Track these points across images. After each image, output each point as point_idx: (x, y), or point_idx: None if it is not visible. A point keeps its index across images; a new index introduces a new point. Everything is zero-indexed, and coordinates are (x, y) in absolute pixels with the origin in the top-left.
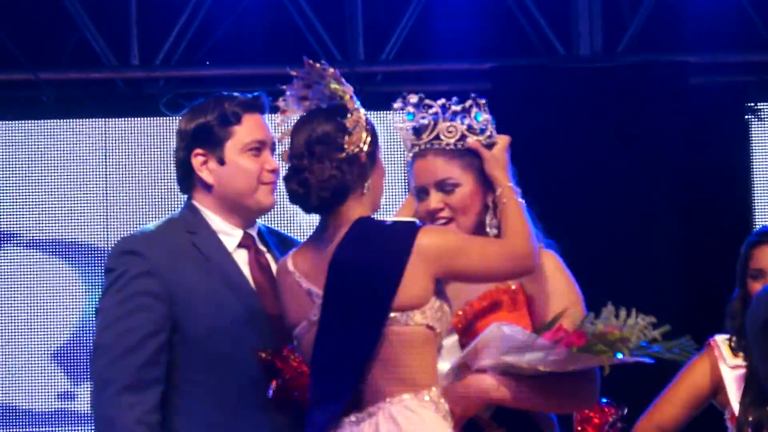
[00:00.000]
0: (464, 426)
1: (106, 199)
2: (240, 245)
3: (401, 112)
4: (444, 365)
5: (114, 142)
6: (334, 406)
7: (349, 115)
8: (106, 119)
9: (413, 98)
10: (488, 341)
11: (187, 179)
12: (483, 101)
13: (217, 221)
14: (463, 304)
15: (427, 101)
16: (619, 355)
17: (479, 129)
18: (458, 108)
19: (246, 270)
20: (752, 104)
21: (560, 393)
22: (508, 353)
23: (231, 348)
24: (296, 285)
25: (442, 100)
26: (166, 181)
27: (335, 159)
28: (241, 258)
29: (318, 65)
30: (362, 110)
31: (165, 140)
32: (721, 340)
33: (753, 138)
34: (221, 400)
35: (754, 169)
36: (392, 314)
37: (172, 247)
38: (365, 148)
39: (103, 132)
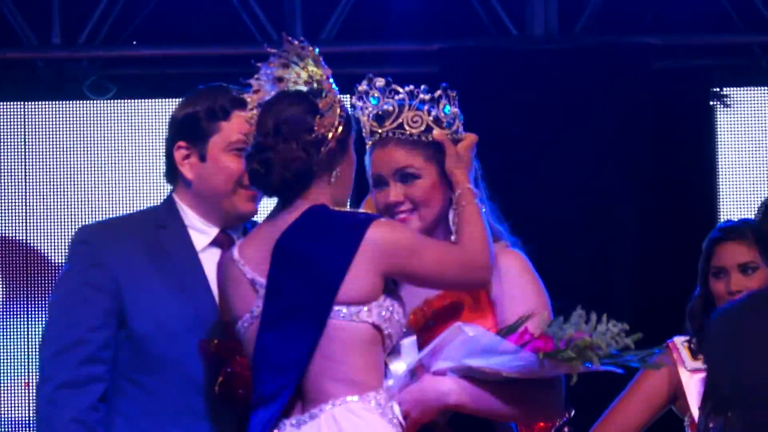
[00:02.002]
0: None
1: (26, 189)
2: (213, 244)
3: (364, 96)
4: (401, 366)
5: (34, 127)
6: (274, 407)
7: (323, 96)
8: (26, 102)
9: (380, 81)
10: (449, 342)
11: (171, 171)
12: (453, 93)
13: (191, 217)
14: (421, 301)
15: (395, 86)
16: (588, 364)
17: (446, 122)
18: (427, 97)
19: (212, 270)
20: (717, 89)
21: (523, 401)
22: (470, 356)
23: (175, 351)
24: (240, 274)
25: (410, 87)
26: (89, 168)
27: (303, 140)
28: (211, 258)
29: (297, 43)
30: (338, 95)
31: (89, 125)
32: (680, 342)
33: (718, 124)
34: (161, 404)
35: (719, 157)
36: (336, 308)
37: (133, 240)
38: (336, 133)
39: (22, 116)
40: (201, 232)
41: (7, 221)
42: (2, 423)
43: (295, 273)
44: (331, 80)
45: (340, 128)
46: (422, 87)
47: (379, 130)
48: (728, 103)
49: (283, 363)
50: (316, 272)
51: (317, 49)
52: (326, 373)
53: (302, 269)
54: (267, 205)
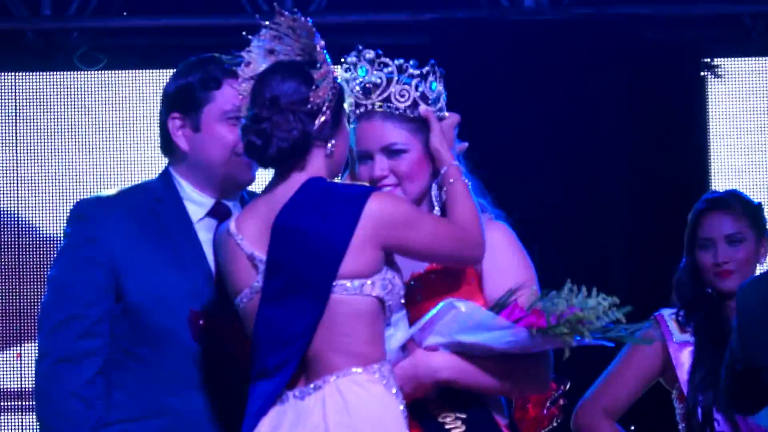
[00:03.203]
0: (410, 407)
1: (16, 159)
2: (210, 215)
3: (352, 68)
4: (392, 341)
5: (24, 97)
6: (277, 380)
7: (318, 67)
8: (16, 73)
9: (369, 53)
10: (441, 318)
11: (166, 143)
12: (440, 72)
13: (187, 189)
14: (407, 275)
15: (384, 59)
16: (579, 338)
17: (432, 99)
18: (416, 72)
19: (208, 241)
20: (708, 60)
21: (513, 375)
22: (462, 332)
23: (171, 323)
24: (238, 249)
25: (400, 61)
26: (79, 139)
27: (299, 111)
28: (208, 229)
29: (290, 15)
30: (332, 66)
31: (79, 96)
32: (667, 314)
33: (709, 95)
34: (159, 376)
35: (711, 128)
36: (339, 282)
37: (129, 214)
38: (331, 104)
39: (13, 87)
40: (197, 204)
41: None
42: None
43: (296, 248)
44: (325, 51)
45: (335, 100)
46: (411, 62)
47: (365, 102)
48: (719, 73)
49: (286, 337)
50: (317, 247)
51: (310, 21)
52: (330, 346)
53: (303, 244)
54: (265, 174)
